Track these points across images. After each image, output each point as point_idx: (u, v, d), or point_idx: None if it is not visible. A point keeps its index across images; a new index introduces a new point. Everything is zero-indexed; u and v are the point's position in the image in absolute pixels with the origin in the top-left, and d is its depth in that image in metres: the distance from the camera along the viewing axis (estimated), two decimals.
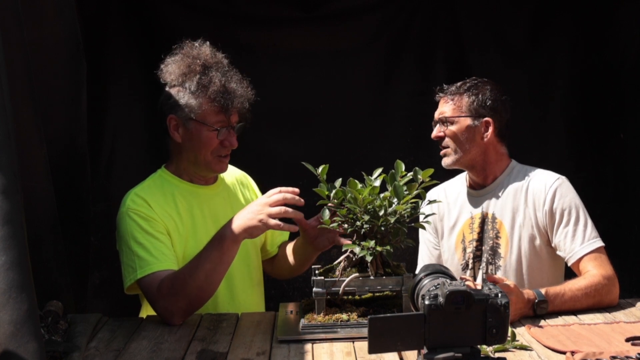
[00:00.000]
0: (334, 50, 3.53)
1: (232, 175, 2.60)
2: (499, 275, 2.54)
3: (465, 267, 2.64)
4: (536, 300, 2.15)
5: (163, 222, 2.30)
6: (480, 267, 2.60)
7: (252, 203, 2.16)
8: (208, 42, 2.38)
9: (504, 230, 2.56)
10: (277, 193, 2.11)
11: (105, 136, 3.37)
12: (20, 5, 1.96)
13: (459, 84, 2.62)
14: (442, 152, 2.62)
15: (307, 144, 3.46)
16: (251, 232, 2.11)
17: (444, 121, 2.59)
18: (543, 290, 2.20)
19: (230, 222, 2.13)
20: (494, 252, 2.58)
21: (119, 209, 2.33)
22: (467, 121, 2.56)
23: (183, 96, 2.31)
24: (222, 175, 2.54)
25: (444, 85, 2.65)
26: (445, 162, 2.61)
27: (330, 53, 3.52)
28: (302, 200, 2.11)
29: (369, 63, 3.57)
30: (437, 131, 2.62)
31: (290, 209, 2.10)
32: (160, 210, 2.31)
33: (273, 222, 2.07)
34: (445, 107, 2.61)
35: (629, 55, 3.24)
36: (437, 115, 2.64)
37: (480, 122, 2.56)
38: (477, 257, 2.61)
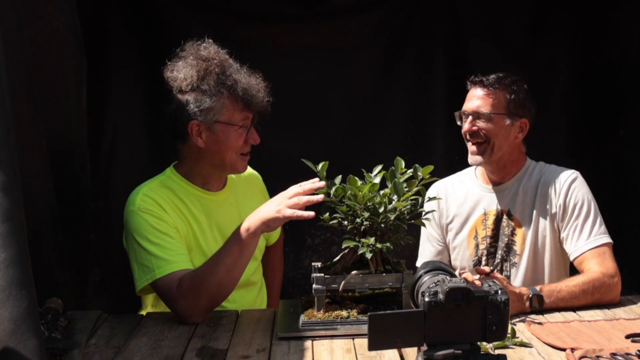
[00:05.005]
0: (334, 47, 3.52)
1: (240, 175, 2.56)
2: (513, 272, 2.55)
3: (477, 264, 2.63)
4: (530, 295, 2.16)
5: (174, 221, 2.27)
6: (494, 263, 2.60)
7: (272, 198, 2.14)
8: (212, 41, 2.34)
9: (520, 228, 2.56)
10: (297, 187, 2.08)
11: (105, 133, 3.36)
12: (20, 1, 1.96)
13: (495, 77, 2.53)
14: (474, 149, 2.54)
15: (306, 141, 3.45)
16: (269, 224, 2.08)
17: (481, 115, 2.51)
18: (538, 287, 2.20)
19: (249, 216, 2.13)
20: (509, 249, 2.58)
21: (126, 207, 2.27)
22: (505, 119, 2.51)
23: (203, 100, 2.26)
24: (232, 176, 2.52)
25: (481, 76, 2.55)
26: (476, 159, 2.54)
27: (330, 50, 3.52)
28: (321, 196, 2.05)
29: (368, 60, 3.56)
30: (470, 125, 2.52)
31: (304, 197, 2.04)
32: (170, 210, 2.28)
33: (289, 211, 2.03)
34: (484, 101, 2.51)
35: (629, 51, 3.23)
36: (471, 107, 2.53)
37: (516, 121, 2.53)
38: (491, 254, 2.61)
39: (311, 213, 2.02)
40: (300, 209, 2.03)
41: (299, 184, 2.09)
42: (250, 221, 2.11)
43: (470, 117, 2.53)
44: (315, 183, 2.06)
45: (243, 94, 2.27)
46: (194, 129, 2.28)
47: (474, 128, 2.52)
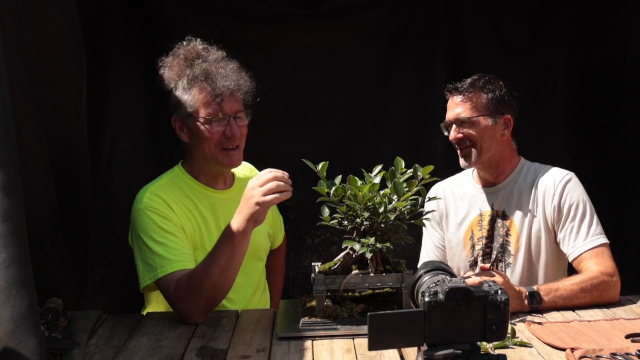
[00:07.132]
0: (333, 47, 3.52)
1: (245, 174, 2.57)
2: (508, 272, 2.55)
3: (473, 264, 2.64)
4: (527, 293, 2.16)
5: (180, 221, 2.28)
6: (490, 264, 2.60)
7: (245, 191, 2.12)
8: (198, 39, 2.38)
9: (514, 228, 2.56)
10: (267, 173, 2.09)
11: (105, 132, 3.37)
12: (20, 2, 1.96)
13: (469, 81, 2.57)
14: (462, 153, 2.57)
15: (306, 141, 3.45)
16: (255, 218, 2.08)
17: (463, 122, 2.53)
18: (535, 286, 2.20)
19: (235, 216, 2.12)
20: (504, 249, 2.58)
21: (134, 205, 2.29)
22: (487, 120, 2.52)
23: (180, 95, 2.32)
24: (239, 176, 2.52)
25: (455, 83, 2.59)
26: (466, 163, 2.57)
27: (330, 50, 3.52)
28: (290, 186, 2.07)
29: (368, 60, 3.56)
30: (455, 133, 2.55)
31: (280, 183, 2.05)
32: (177, 209, 2.29)
33: (269, 197, 2.03)
34: (462, 107, 2.54)
35: (629, 51, 3.24)
36: (452, 115, 2.57)
37: (499, 119, 2.54)
38: (487, 255, 2.61)
39: (289, 193, 2.06)
40: (276, 192, 2.04)
41: (269, 170, 2.09)
42: (238, 221, 2.10)
43: (453, 126, 2.56)
44: (279, 171, 2.07)
45: (208, 84, 2.29)
46: (176, 124, 2.37)
47: (459, 135, 2.55)
